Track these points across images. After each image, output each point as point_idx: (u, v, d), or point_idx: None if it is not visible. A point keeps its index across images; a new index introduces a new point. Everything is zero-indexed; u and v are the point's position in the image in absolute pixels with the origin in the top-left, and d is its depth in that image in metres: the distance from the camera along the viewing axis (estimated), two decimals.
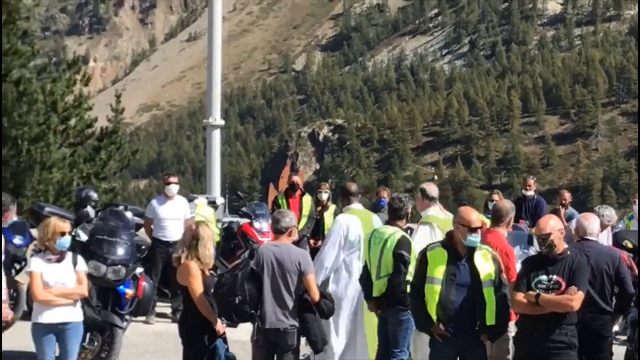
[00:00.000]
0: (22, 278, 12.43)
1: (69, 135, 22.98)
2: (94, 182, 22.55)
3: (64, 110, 22.74)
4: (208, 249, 8.75)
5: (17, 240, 12.88)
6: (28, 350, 10.43)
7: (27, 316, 10.91)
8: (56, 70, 23.58)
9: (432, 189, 10.95)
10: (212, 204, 16.33)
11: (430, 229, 10.52)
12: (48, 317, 8.99)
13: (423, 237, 10.28)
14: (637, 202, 17.85)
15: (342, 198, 11.47)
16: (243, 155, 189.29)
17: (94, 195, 14.18)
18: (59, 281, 9.03)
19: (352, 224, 11.02)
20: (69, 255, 9.21)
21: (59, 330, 9.02)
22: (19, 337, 11.54)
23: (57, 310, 9.00)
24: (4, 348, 10.00)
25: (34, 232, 12.39)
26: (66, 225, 9.11)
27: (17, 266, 12.96)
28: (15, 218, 13.07)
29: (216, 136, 20.43)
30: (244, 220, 15.93)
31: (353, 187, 11.61)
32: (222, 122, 20.65)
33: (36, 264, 9.08)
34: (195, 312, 8.63)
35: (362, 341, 10.88)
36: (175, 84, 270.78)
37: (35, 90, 20.37)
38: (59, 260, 9.09)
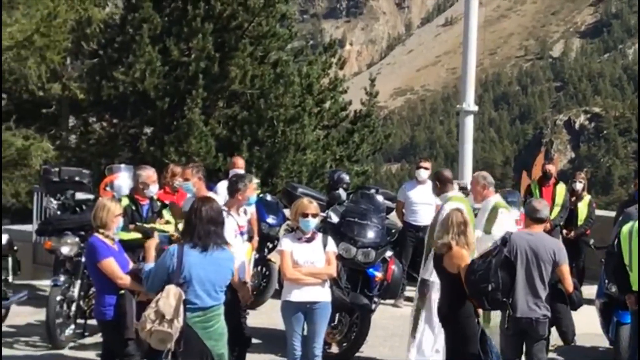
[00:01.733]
0: (273, 257, 12.68)
1: (323, 117, 23.34)
2: (346, 164, 22.81)
3: (319, 92, 23.11)
4: (472, 235, 8.64)
5: (271, 219, 13.16)
6: (278, 328, 10.66)
7: (277, 294, 11.10)
8: (312, 53, 23.98)
9: None
10: (463, 189, 16.08)
11: None
12: (297, 295, 9.05)
13: None
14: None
15: (439, 185, 10.87)
16: (496, 142, 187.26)
17: (346, 177, 14.24)
18: (309, 260, 9.09)
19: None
20: (319, 236, 9.25)
21: (307, 309, 9.06)
22: (269, 315, 11.81)
23: (306, 289, 9.04)
24: (256, 324, 10.21)
25: (287, 212, 12.63)
26: (312, 207, 9.14)
27: (270, 245, 13.25)
28: (268, 197, 13.35)
29: (469, 122, 20.12)
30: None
31: (448, 172, 11.11)
32: (476, 108, 20.29)
33: (287, 243, 9.18)
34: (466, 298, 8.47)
35: None
36: (430, 68, 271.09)
37: (292, 73, 20.76)
38: (308, 241, 9.15)
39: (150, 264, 7.47)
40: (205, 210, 7.23)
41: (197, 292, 7.09)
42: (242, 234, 9.50)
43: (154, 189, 10.79)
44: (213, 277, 7.20)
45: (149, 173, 10.73)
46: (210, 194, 9.48)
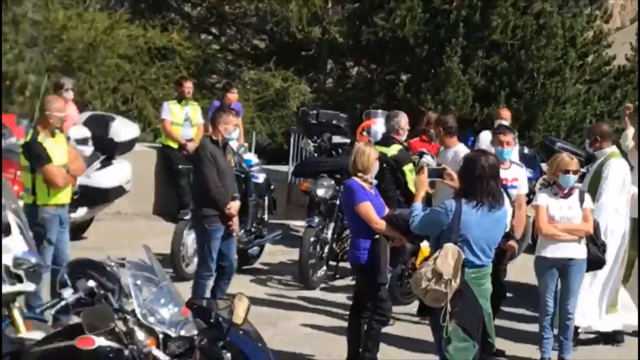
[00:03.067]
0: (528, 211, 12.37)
1: (585, 71, 22.56)
2: (607, 120, 21.98)
3: (582, 46, 22.33)
4: None
5: (528, 173, 12.81)
6: (530, 283, 10.43)
7: (531, 249, 10.85)
8: (576, 6, 23.13)
9: None
10: None
11: None
12: (552, 251, 8.85)
13: None
14: None
15: (599, 141, 9.94)
16: None
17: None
18: (565, 217, 8.86)
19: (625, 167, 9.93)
20: (577, 192, 8.98)
21: (562, 266, 8.85)
22: (522, 270, 11.53)
23: (561, 245, 8.82)
24: (508, 279, 10.01)
25: (544, 166, 12.27)
26: (573, 163, 8.86)
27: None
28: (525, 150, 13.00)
29: None
30: None
31: (606, 127, 10.35)
32: None
33: (542, 198, 9.00)
34: None
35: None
36: None
37: (555, 24, 20.10)
38: (565, 197, 8.89)
39: (418, 204, 7.27)
40: (488, 165, 6.87)
41: (474, 250, 6.85)
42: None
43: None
44: (489, 235, 6.94)
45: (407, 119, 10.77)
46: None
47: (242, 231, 11.27)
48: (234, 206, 9.52)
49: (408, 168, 10.37)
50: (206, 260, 9.49)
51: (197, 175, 9.63)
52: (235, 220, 9.64)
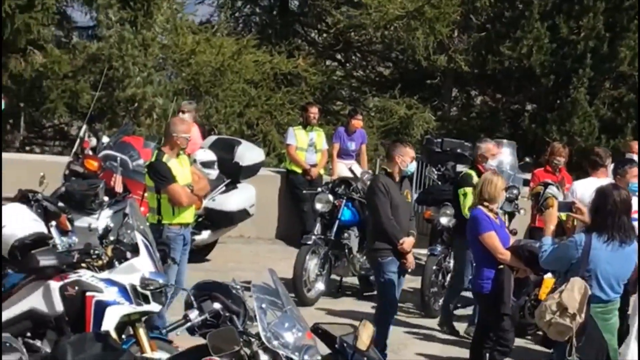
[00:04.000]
0: None
1: None
2: None
3: None
4: None
5: None
6: None
7: None
8: None
9: None
10: None
11: None
12: None
13: None
14: None
15: None
16: None
17: None
18: None
19: None
20: None
21: None
22: None
23: None
24: None
25: None
26: None
27: None
28: None
29: None
30: None
31: None
32: None
33: None
34: None
35: None
36: None
37: None
38: None
39: (548, 238, 7.17)
40: (620, 199, 6.77)
41: (601, 285, 6.75)
42: None
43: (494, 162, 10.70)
44: (619, 271, 6.83)
45: (488, 146, 10.65)
46: None
47: (364, 257, 11.26)
48: (408, 242, 9.00)
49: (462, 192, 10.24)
50: (386, 296, 9.19)
51: (369, 208, 9.45)
52: (410, 257, 9.11)
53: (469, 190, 9.83)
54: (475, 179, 9.84)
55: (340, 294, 11.78)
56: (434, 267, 11.06)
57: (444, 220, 11.35)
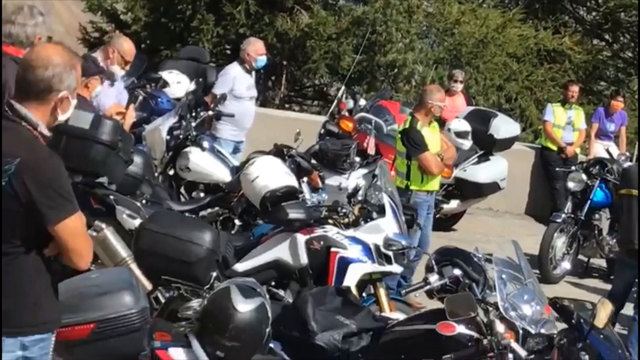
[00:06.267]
0: None
1: None
2: None
3: None
4: None
5: None
6: None
7: None
8: None
9: None
10: None
11: None
12: None
13: None
14: None
15: None
16: None
17: None
18: None
19: None
20: None
21: None
22: None
23: None
24: None
25: None
26: None
27: None
28: None
29: None
30: None
31: None
32: None
33: None
34: None
35: None
36: None
37: None
38: None
39: None
40: None
41: None
42: None
43: None
44: None
45: None
46: None
47: (614, 240, 10.94)
48: None
49: None
50: None
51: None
52: None
53: None
54: None
55: (586, 275, 11.49)
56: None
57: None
